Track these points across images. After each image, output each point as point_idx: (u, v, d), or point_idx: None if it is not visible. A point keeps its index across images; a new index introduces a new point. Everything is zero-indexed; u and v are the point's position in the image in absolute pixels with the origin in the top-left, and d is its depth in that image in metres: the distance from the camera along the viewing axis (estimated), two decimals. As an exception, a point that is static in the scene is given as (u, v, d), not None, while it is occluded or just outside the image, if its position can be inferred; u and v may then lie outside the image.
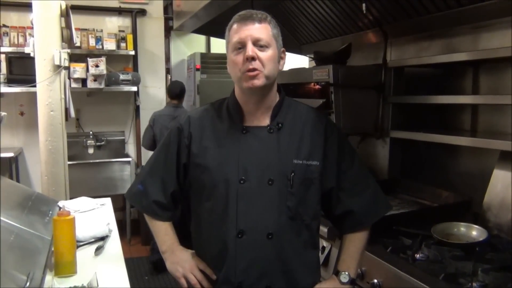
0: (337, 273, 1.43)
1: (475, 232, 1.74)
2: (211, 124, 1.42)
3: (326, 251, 1.87)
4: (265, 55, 1.30)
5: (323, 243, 1.89)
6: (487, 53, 1.87)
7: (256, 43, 1.29)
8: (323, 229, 1.79)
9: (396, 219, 1.88)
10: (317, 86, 2.51)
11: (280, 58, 1.38)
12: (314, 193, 1.39)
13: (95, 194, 2.54)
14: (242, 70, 1.29)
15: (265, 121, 1.38)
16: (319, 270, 1.50)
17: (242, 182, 1.33)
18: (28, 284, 1.37)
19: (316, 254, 1.48)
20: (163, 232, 1.46)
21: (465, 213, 1.95)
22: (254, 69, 1.28)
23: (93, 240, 1.85)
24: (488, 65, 2.03)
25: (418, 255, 1.62)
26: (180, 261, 1.41)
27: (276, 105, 1.39)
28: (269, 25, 1.33)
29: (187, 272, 1.39)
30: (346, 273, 1.40)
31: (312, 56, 2.67)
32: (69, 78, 3.85)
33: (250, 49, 1.28)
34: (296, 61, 3.98)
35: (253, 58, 1.28)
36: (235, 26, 1.32)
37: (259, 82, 1.30)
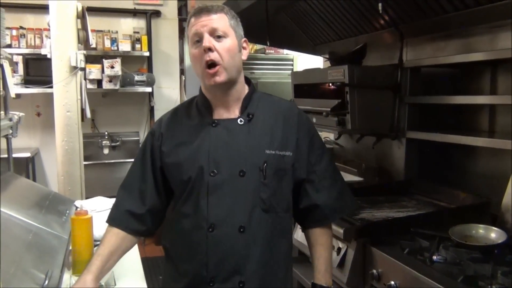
0: (314, 286, 1.44)
1: (494, 234, 1.71)
2: (181, 122, 1.41)
3: (342, 253, 1.85)
4: (222, 45, 1.28)
5: (339, 244, 1.88)
6: (505, 53, 1.84)
7: (213, 33, 1.28)
8: (339, 230, 1.78)
9: (413, 220, 1.86)
10: (332, 87, 2.50)
11: (242, 48, 1.36)
12: (287, 184, 1.38)
13: (111, 194, 2.54)
14: (203, 66, 1.29)
15: (235, 113, 1.37)
16: (291, 261, 1.49)
17: (212, 174, 1.31)
18: (46, 282, 1.39)
19: (288, 246, 1.46)
20: (99, 252, 1.34)
21: (483, 214, 1.92)
22: (213, 64, 1.27)
23: (109, 239, 1.86)
24: (506, 65, 2.00)
25: (435, 257, 1.60)
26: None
27: (246, 97, 1.39)
28: (226, 15, 1.32)
29: None
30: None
31: (327, 56, 2.66)
32: (85, 79, 3.88)
33: (207, 40, 1.27)
34: (310, 61, 3.97)
35: (210, 49, 1.27)
36: (192, 20, 1.32)
37: (220, 78, 1.29)
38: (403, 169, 2.37)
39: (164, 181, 1.42)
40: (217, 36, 1.28)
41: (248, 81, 1.43)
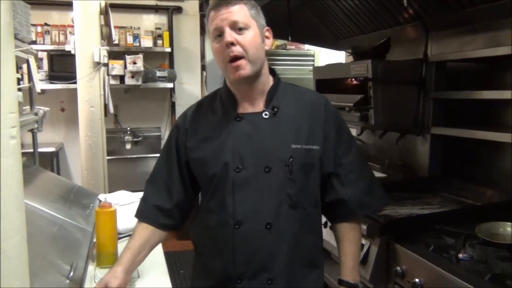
0: (341, 282, 1.40)
1: (522, 232, 1.67)
2: (206, 116, 1.39)
3: (365, 249, 1.83)
4: (244, 38, 1.24)
5: (362, 240, 1.85)
6: (535, 47, 1.79)
7: (234, 26, 1.24)
8: (362, 226, 1.75)
9: (438, 217, 1.83)
10: (355, 82, 2.47)
11: (265, 37, 1.31)
12: (315, 179, 1.34)
13: (133, 188, 2.57)
14: (226, 60, 1.25)
15: (260, 107, 1.33)
16: (322, 258, 1.44)
17: (237, 170, 1.28)
18: (71, 273, 1.41)
19: (318, 243, 1.42)
20: (129, 246, 1.36)
21: (510, 212, 1.87)
22: (236, 58, 1.24)
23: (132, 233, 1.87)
24: (535, 59, 1.95)
25: (461, 255, 1.57)
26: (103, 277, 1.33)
27: (270, 89, 1.34)
28: (246, 5, 1.26)
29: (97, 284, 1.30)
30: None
31: (350, 51, 2.63)
32: (108, 75, 3.93)
33: (228, 35, 1.23)
34: (332, 57, 3.94)
35: (232, 44, 1.23)
36: (211, 13, 1.27)
37: (245, 71, 1.25)
38: (427, 166, 2.33)
39: (190, 176, 1.40)
40: (238, 28, 1.24)
41: (272, 72, 1.39)
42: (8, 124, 0.65)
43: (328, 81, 2.71)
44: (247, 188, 1.28)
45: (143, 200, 1.45)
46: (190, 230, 1.45)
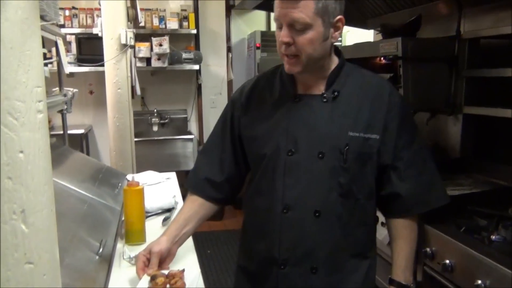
0: (392, 282, 1.34)
1: (559, 214, 1.61)
2: (263, 93, 1.34)
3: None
4: (303, 38, 1.16)
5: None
6: None
7: (293, 26, 1.15)
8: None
9: (470, 198, 1.78)
10: (384, 61, 2.40)
11: (335, 28, 1.20)
12: (371, 170, 1.27)
13: (159, 170, 2.60)
14: (281, 51, 1.21)
15: (320, 89, 1.26)
16: (373, 253, 1.39)
17: (290, 154, 1.24)
18: (101, 250, 1.43)
19: (370, 236, 1.37)
20: (176, 218, 1.39)
21: (546, 194, 1.81)
22: (290, 54, 1.19)
23: (160, 211, 1.90)
24: None
25: (494, 237, 1.53)
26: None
27: (332, 72, 1.27)
28: (313, 0, 1.14)
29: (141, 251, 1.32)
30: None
31: (379, 29, 2.56)
32: (135, 57, 3.95)
33: (285, 34, 1.16)
34: (360, 37, 3.85)
35: (287, 43, 1.17)
36: (276, 0, 1.19)
37: (296, 69, 1.21)
38: (459, 146, 2.26)
39: (243, 151, 1.38)
40: (297, 29, 1.15)
41: (338, 53, 1.31)
42: (34, 98, 0.65)
43: (356, 61, 2.65)
44: (298, 173, 1.24)
45: (194, 171, 1.45)
46: (242, 208, 1.45)
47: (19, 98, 0.62)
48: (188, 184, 1.43)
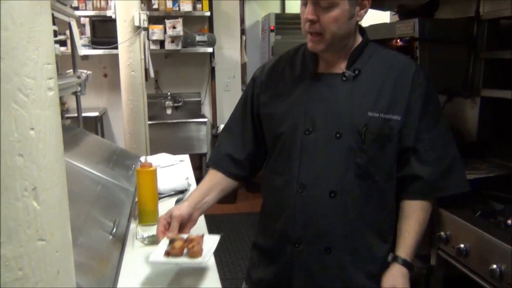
0: (395, 258, 1.28)
1: None
2: (283, 71, 1.33)
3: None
4: (328, 16, 1.14)
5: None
6: None
7: (318, 3, 1.14)
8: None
9: (486, 183, 1.75)
10: (400, 43, 2.36)
11: (362, 6, 1.20)
12: (391, 152, 1.23)
13: (173, 153, 2.61)
14: (305, 29, 1.19)
15: (341, 67, 1.25)
16: (391, 234, 1.34)
17: (307, 133, 1.23)
18: (114, 230, 1.44)
19: (388, 220, 1.32)
20: (198, 187, 1.41)
21: None
22: (315, 33, 1.17)
23: (173, 193, 1.91)
24: None
25: (510, 221, 1.50)
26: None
27: (355, 50, 1.24)
28: None
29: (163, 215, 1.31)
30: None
31: (396, 10, 2.51)
32: (148, 39, 3.94)
33: (309, 12, 1.15)
34: (375, 18, 3.78)
35: (312, 21, 1.16)
36: None
37: (319, 47, 1.20)
38: (475, 130, 2.22)
39: (262, 130, 1.38)
40: (322, 6, 1.14)
41: (362, 31, 1.29)
42: (45, 75, 0.65)
43: (373, 42, 2.61)
44: (315, 152, 1.23)
45: (216, 148, 1.46)
46: (261, 189, 1.45)
47: (29, 75, 0.61)
48: (210, 159, 1.46)
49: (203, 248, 1.19)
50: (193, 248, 1.16)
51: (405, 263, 1.27)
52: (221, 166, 1.42)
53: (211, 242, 1.24)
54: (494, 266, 1.36)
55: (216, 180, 1.41)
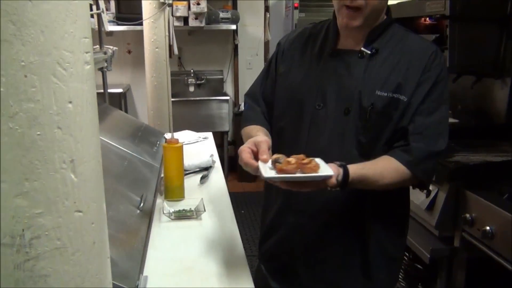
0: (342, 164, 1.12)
1: None
2: (304, 44, 1.33)
3: (432, 195, 1.77)
4: None
5: (429, 186, 1.79)
6: None
7: None
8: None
9: (515, 165, 1.72)
10: (429, 21, 2.30)
11: None
12: (388, 132, 1.20)
13: (195, 130, 2.63)
14: (342, 1, 1.16)
15: (360, 45, 1.22)
16: (397, 211, 1.32)
17: (318, 107, 1.23)
18: (142, 204, 1.47)
19: (395, 200, 1.30)
20: (256, 129, 1.31)
21: None
22: (354, 7, 1.14)
23: (198, 169, 1.93)
24: None
25: (539, 204, 1.48)
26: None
27: (375, 28, 1.21)
28: None
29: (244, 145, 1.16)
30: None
31: (425, -13, 2.43)
32: (172, 16, 3.93)
33: None
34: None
35: None
36: None
37: (355, 23, 1.16)
38: (505, 112, 2.17)
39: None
40: None
41: (387, 10, 1.25)
42: (82, 49, 0.65)
43: (400, 21, 2.55)
44: (323, 127, 1.23)
45: (246, 110, 1.42)
46: None
47: (68, 48, 0.62)
48: (244, 119, 1.39)
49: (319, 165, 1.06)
50: (310, 163, 1.04)
51: (344, 171, 1.10)
52: (258, 122, 1.36)
53: (323, 164, 1.08)
54: (521, 249, 1.35)
55: (264, 130, 1.32)
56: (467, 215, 1.61)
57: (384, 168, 1.16)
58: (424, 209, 1.80)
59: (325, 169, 1.05)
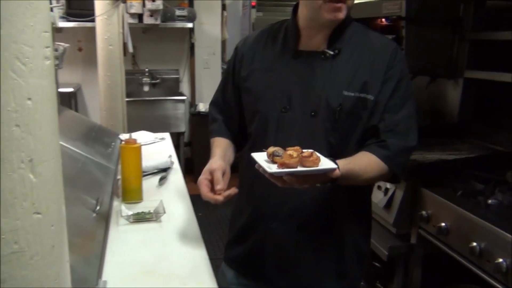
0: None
1: (556, 180, 1.65)
2: (264, 46, 1.33)
3: (389, 193, 1.84)
4: None
5: (387, 184, 1.86)
6: None
7: None
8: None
9: (467, 163, 1.82)
10: (385, 22, 2.38)
11: None
12: (359, 131, 1.23)
13: (150, 131, 2.59)
14: None
15: (322, 46, 1.24)
16: (367, 213, 1.39)
17: (284, 110, 1.24)
18: (98, 207, 1.44)
19: (364, 199, 1.37)
20: (216, 144, 1.38)
21: (544, 160, 1.84)
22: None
23: (156, 171, 1.91)
24: None
25: (490, 200, 1.56)
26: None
27: (336, 28, 1.23)
28: None
29: (201, 176, 1.25)
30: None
31: (381, -11, 2.52)
32: (127, 12, 3.86)
33: None
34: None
35: None
36: None
37: (342, 15, 1.17)
38: (457, 111, 2.28)
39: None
40: None
41: None
42: (42, 44, 0.64)
43: (357, 21, 2.62)
44: (291, 131, 1.24)
45: (211, 120, 1.46)
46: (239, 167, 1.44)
47: (27, 43, 0.60)
48: (213, 131, 1.44)
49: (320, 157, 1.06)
50: (311, 155, 1.03)
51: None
52: (224, 135, 1.42)
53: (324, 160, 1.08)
54: (474, 244, 1.42)
55: (225, 142, 1.40)
56: (423, 212, 1.68)
57: (367, 163, 1.19)
58: (382, 207, 1.86)
59: (326, 161, 1.05)
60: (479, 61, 2.16)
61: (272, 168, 1.02)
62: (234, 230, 1.44)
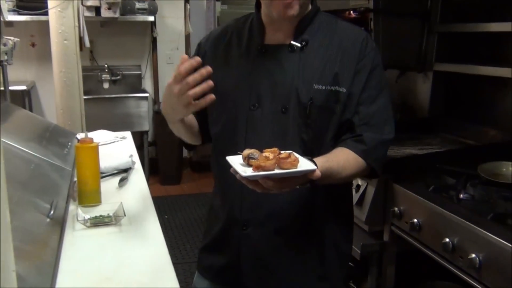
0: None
1: (526, 172, 1.69)
2: (229, 42, 1.30)
3: (361, 190, 1.84)
4: None
5: (358, 181, 1.87)
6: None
7: None
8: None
9: (439, 157, 1.84)
10: (354, 15, 2.40)
11: None
12: (333, 126, 1.21)
13: (112, 129, 2.53)
14: None
15: (289, 39, 1.22)
16: (348, 212, 1.38)
17: (253, 108, 1.22)
18: (52, 212, 1.39)
19: (344, 198, 1.36)
20: None
21: (513, 153, 1.89)
22: None
23: (116, 172, 1.86)
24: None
25: (462, 195, 1.59)
26: None
27: (303, 19, 1.20)
28: None
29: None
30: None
31: (349, -20, 2.53)
32: (82, 5, 3.76)
33: None
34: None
35: None
36: None
37: (293, 12, 1.14)
38: (428, 105, 2.32)
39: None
40: None
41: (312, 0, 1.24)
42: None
43: (325, 14, 2.64)
44: (261, 129, 1.21)
45: None
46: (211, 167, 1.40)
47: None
48: None
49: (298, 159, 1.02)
50: (289, 157, 1.00)
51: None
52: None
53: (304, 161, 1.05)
54: (447, 239, 1.44)
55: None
56: (396, 209, 1.69)
57: (345, 159, 1.17)
58: (354, 205, 1.86)
59: (305, 162, 1.02)
60: (449, 54, 2.20)
61: (247, 172, 0.99)
62: (209, 237, 1.40)
